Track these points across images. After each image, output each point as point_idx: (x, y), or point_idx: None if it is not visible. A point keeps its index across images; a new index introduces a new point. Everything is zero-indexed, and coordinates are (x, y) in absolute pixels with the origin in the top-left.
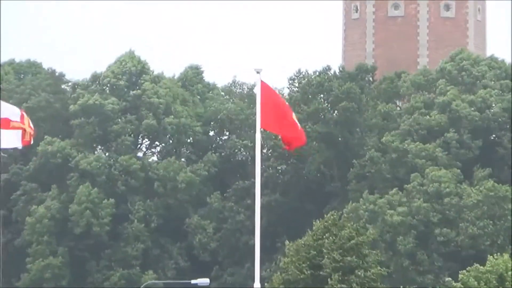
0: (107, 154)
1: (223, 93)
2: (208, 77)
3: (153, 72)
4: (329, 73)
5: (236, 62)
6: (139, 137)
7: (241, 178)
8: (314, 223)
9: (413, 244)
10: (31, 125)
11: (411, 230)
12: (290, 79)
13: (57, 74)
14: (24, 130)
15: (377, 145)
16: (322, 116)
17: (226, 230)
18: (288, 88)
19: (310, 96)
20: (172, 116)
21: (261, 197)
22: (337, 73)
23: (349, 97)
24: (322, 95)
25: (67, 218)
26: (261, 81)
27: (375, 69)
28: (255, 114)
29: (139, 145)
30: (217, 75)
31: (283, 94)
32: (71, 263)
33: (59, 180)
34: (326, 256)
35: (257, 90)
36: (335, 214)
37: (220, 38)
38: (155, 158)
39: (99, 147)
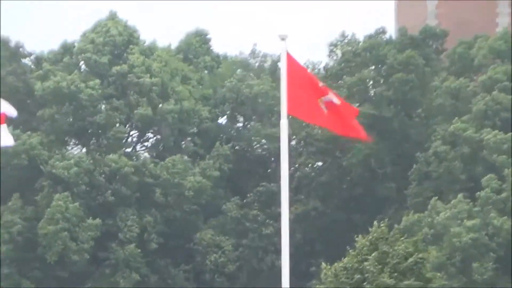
0: (84, 150)
1: (237, 67)
2: (215, 47)
3: (144, 42)
4: (383, 37)
5: (252, 26)
6: (127, 129)
7: (262, 179)
8: (356, 238)
9: (492, 272)
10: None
11: (487, 252)
12: (331, 45)
13: (12, 44)
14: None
15: (446, 134)
16: (372, 94)
17: (246, 248)
18: (329, 56)
19: (354, 66)
20: (173, 102)
21: (294, 205)
22: (393, 38)
23: (409, 70)
24: (371, 68)
25: (33, 240)
26: (287, 53)
27: (446, 34)
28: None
29: (125, 139)
30: (226, 45)
31: (315, 70)
32: None
33: (22, 190)
34: (374, 281)
35: (282, 64)
36: (383, 225)
37: None
38: (147, 154)
39: (73, 141)
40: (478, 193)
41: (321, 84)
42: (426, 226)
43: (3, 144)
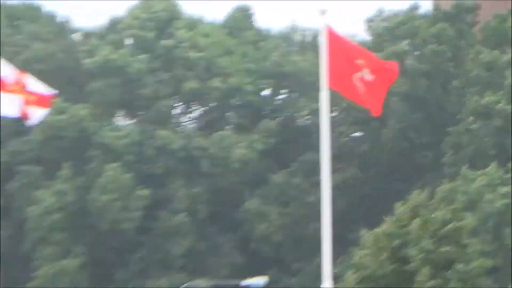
0: (134, 121)
1: (280, 41)
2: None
3: (186, 16)
4: (416, 13)
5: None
6: (174, 101)
7: (305, 149)
8: (396, 206)
9: None
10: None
11: None
12: (368, 20)
13: (59, 20)
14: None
15: (478, 106)
16: (405, 67)
17: (289, 216)
18: (366, 31)
19: (388, 41)
20: (220, 79)
21: (335, 173)
22: (427, 13)
23: (441, 42)
24: (405, 42)
25: (84, 208)
26: (328, 27)
27: (478, 7)
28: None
29: (171, 111)
30: (266, 19)
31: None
32: (92, 267)
33: (72, 161)
34: (417, 245)
35: (322, 38)
36: (423, 192)
37: None
38: (192, 126)
39: (121, 113)
40: (509, 163)
41: (359, 60)
42: (460, 194)
43: (4, 114)
